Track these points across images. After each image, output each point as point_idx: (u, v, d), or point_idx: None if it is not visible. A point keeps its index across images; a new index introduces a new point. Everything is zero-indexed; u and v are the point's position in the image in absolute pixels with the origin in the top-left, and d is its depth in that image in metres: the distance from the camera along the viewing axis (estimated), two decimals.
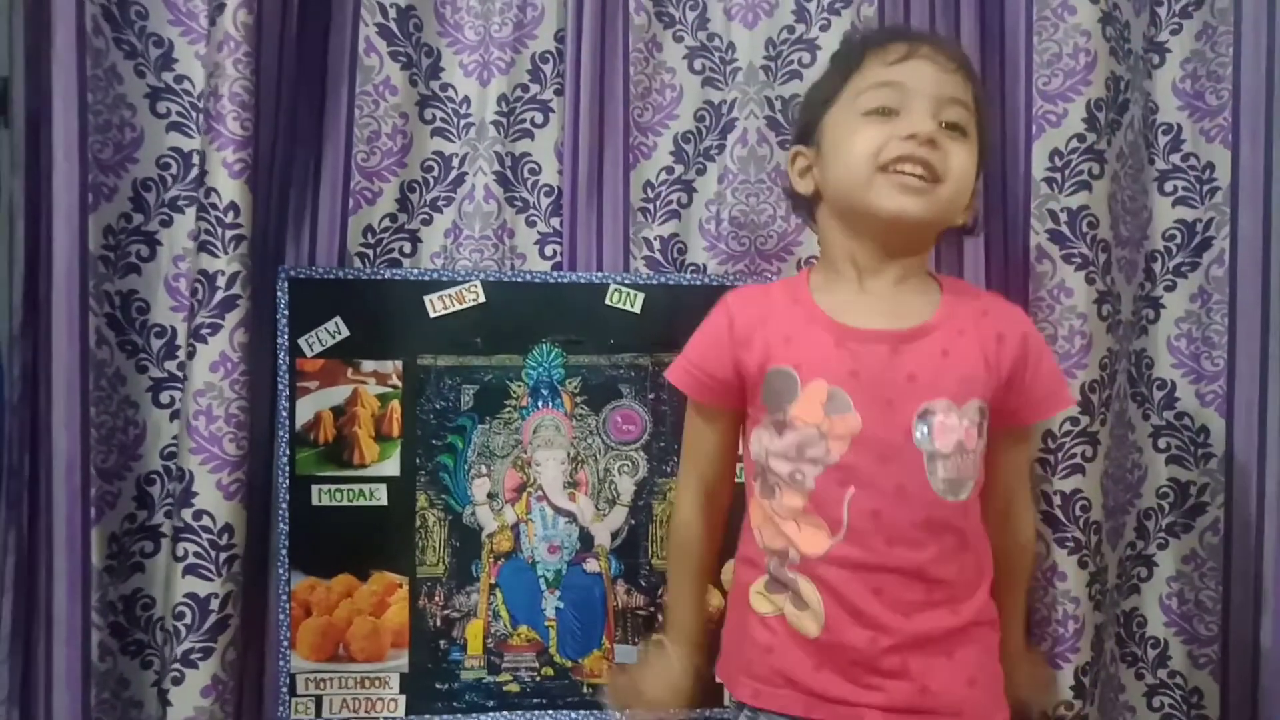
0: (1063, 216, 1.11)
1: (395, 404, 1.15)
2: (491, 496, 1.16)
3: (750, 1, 1.20)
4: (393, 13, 1.17)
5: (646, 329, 1.17)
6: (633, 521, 1.17)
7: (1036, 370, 0.93)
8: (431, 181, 1.20)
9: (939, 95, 0.89)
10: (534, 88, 1.20)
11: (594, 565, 1.17)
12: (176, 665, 1.04)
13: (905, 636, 0.86)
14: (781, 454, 0.90)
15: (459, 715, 1.15)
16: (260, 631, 1.16)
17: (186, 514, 1.04)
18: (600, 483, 1.17)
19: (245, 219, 1.05)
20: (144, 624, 1.15)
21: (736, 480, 1.03)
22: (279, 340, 1.14)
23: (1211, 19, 1.19)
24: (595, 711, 1.16)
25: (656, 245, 1.20)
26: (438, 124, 1.20)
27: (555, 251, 1.20)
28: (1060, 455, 1.11)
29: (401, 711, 1.15)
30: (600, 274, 1.19)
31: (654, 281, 1.18)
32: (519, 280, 1.17)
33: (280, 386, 1.14)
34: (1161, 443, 1.22)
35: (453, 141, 1.20)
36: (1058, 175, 1.11)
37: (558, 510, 1.17)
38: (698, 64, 1.21)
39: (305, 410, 1.14)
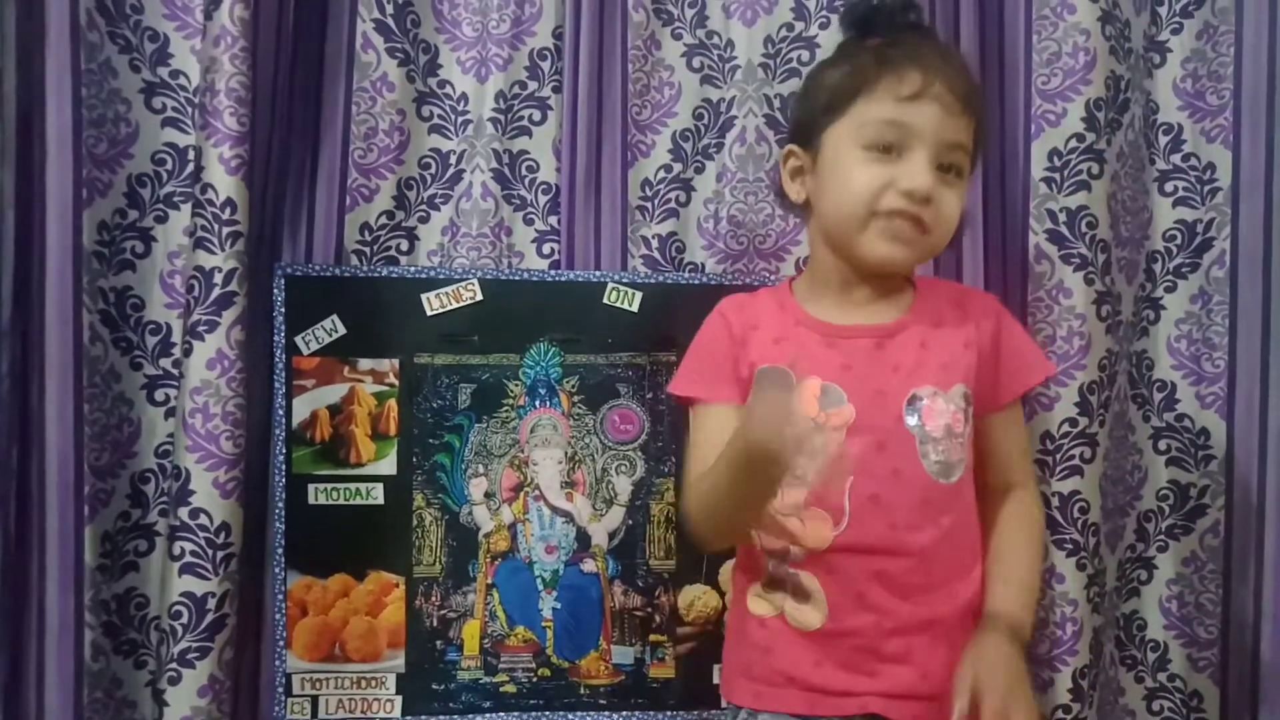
0: (1061, 216, 1.10)
1: (392, 402, 1.15)
2: (488, 496, 1.16)
3: None
4: (390, 8, 1.16)
5: (644, 328, 1.16)
6: (630, 521, 1.16)
7: (1010, 343, 0.97)
8: (429, 179, 1.19)
9: (943, 141, 0.90)
10: (532, 85, 1.19)
11: (591, 565, 1.16)
12: (173, 665, 1.03)
13: (906, 620, 0.89)
14: None
15: (455, 716, 1.14)
16: (256, 631, 1.15)
17: (183, 512, 1.04)
18: (598, 482, 1.17)
19: (242, 215, 1.05)
20: (138, 623, 1.14)
21: None
22: (275, 338, 1.13)
23: (1212, 18, 1.19)
24: (591, 712, 1.16)
25: (654, 244, 1.19)
26: (435, 121, 1.19)
27: (553, 250, 1.19)
28: (1058, 457, 1.10)
29: (398, 712, 1.14)
30: (598, 272, 1.18)
31: (652, 280, 1.17)
32: (516, 278, 1.17)
33: (277, 384, 1.13)
34: (1161, 444, 1.21)
35: (450, 138, 1.19)
36: (1056, 175, 1.11)
37: (555, 510, 1.16)
38: (696, 62, 1.21)
39: (302, 408, 1.14)
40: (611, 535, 1.17)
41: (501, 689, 1.15)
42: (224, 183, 1.04)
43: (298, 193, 1.16)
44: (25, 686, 1.08)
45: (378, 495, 1.15)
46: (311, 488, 1.14)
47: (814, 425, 0.90)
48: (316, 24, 1.16)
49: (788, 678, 0.91)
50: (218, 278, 1.04)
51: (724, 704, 0.97)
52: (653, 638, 1.16)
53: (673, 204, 1.20)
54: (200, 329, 1.04)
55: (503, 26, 1.18)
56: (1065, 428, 1.10)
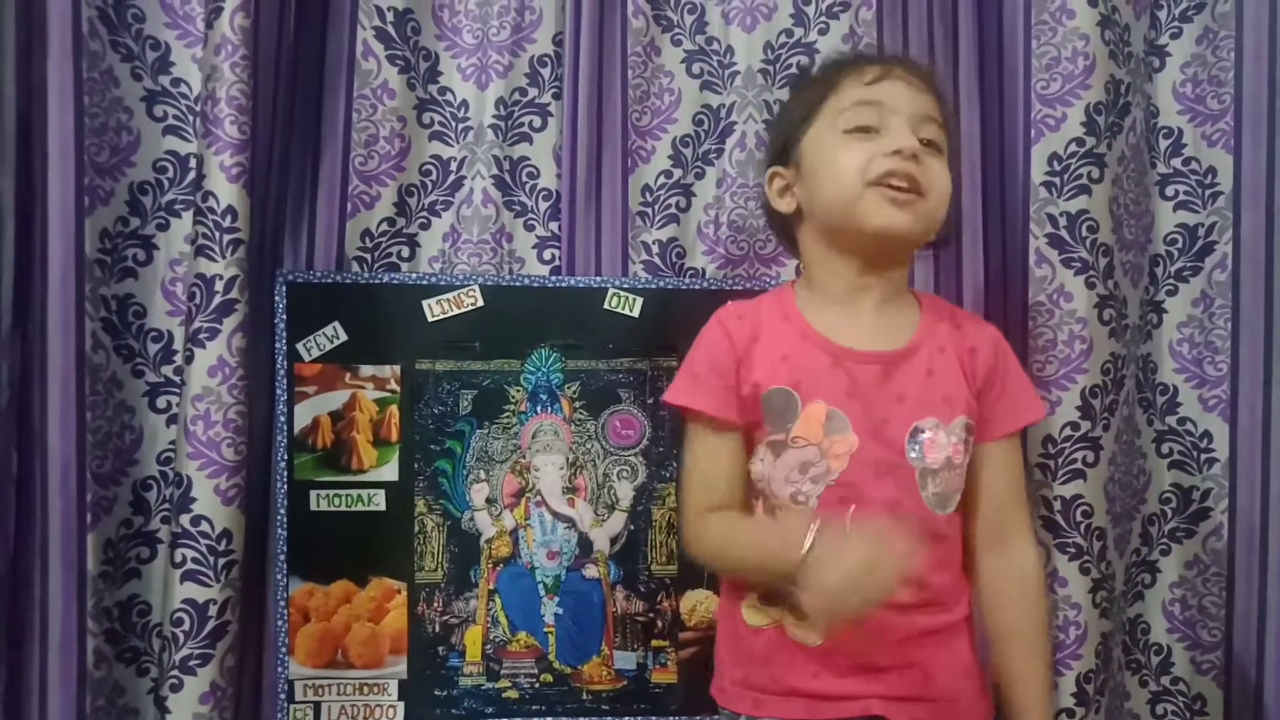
0: (1062, 221, 1.10)
1: (393, 409, 1.15)
2: (490, 502, 1.16)
3: (749, 5, 1.20)
4: (390, 16, 1.16)
5: (645, 333, 1.16)
6: (632, 527, 1.16)
7: (1006, 380, 0.95)
8: (429, 185, 1.19)
9: (915, 113, 0.92)
10: (532, 91, 1.19)
11: (593, 571, 1.16)
12: (175, 672, 1.03)
13: (904, 632, 0.89)
14: (784, 475, 0.91)
15: None
16: (258, 638, 1.15)
17: (185, 519, 1.04)
18: (599, 488, 1.17)
19: (243, 223, 1.05)
20: (140, 630, 1.14)
21: None
22: (277, 345, 1.13)
23: (1212, 23, 1.19)
24: (594, 718, 1.15)
25: (655, 249, 1.20)
26: (436, 128, 1.19)
27: (554, 255, 1.20)
28: (1060, 460, 1.10)
29: (400, 718, 1.14)
30: (599, 278, 1.18)
31: (653, 285, 1.18)
32: (517, 284, 1.17)
33: (278, 391, 1.13)
34: (1164, 448, 1.21)
35: (451, 145, 1.19)
36: (1057, 179, 1.11)
37: (556, 515, 1.16)
38: (696, 68, 1.21)
39: (303, 415, 1.14)
40: (613, 540, 1.16)
41: (504, 695, 1.15)
42: (225, 190, 1.04)
43: (299, 200, 1.17)
44: (28, 694, 1.08)
45: (379, 501, 1.15)
46: (313, 494, 1.14)
47: (817, 450, 0.90)
48: (317, 32, 1.16)
49: (789, 687, 0.91)
50: (219, 285, 1.04)
51: (720, 711, 0.96)
52: (655, 643, 1.16)
53: (673, 209, 1.20)
54: (202, 336, 1.04)
55: (503, 33, 1.19)
56: (1067, 431, 1.10)
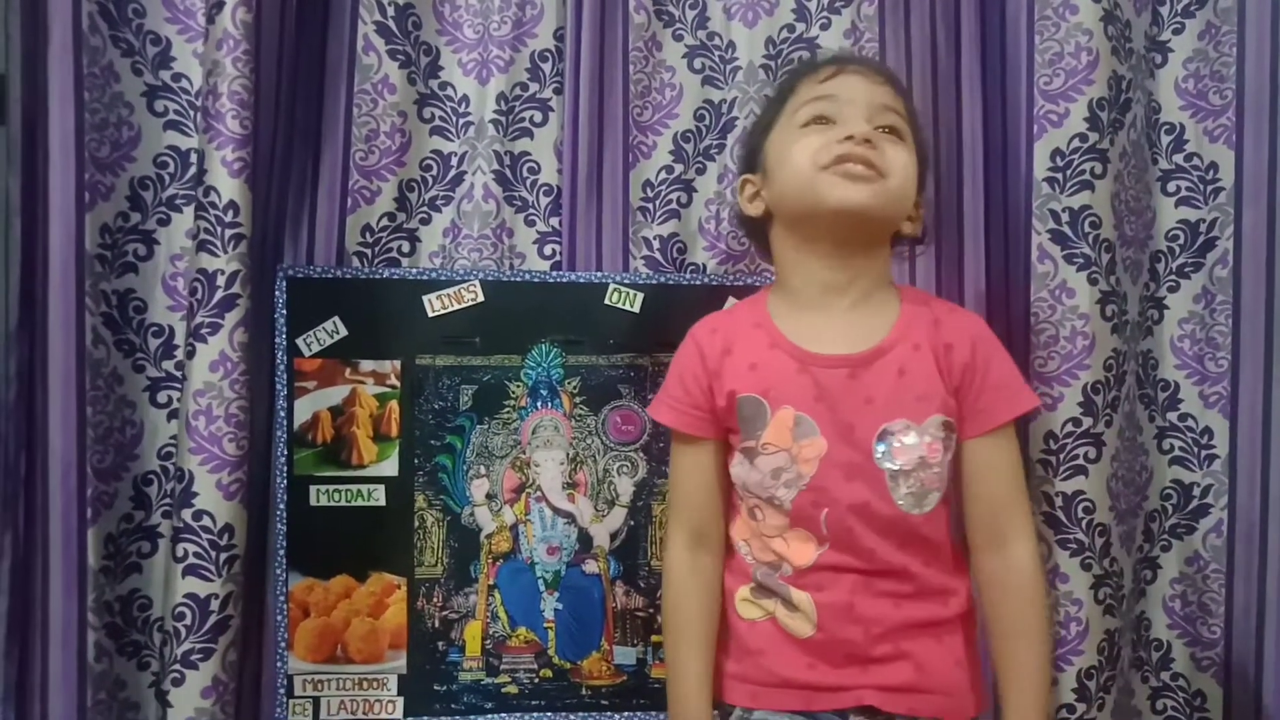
0: (1064, 217, 1.10)
1: (394, 404, 1.15)
2: (490, 497, 1.16)
3: (750, 0, 1.19)
4: (391, 11, 1.16)
5: (646, 329, 1.16)
6: (632, 522, 1.16)
7: (986, 375, 0.93)
8: (430, 180, 1.19)
9: (871, 102, 0.93)
10: (533, 86, 1.19)
11: (593, 566, 1.16)
12: (176, 666, 1.03)
13: (897, 623, 0.90)
14: (759, 481, 0.93)
15: (457, 717, 1.14)
16: (258, 632, 1.15)
17: (186, 514, 1.04)
18: (599, 483, 1.17)
19: (244, 218, 1.05)
20: (141, 625, 1.14)
21: None
22: (277, 340, 1.13)
23: (1214, 18, 1.19)
24: (593, 713, 1.15)
25: (656, 245, 1.19)
26: (436, 123, 1.19)
27: (554, 251, 1.20)
28: (1062, 457, 1.10)
29: (399, 713, 1.14)
30: (599, 274, 1.18)
31: (654, 281, 1.17)
32: (518, 280, 1.17)
33: (278, 386, 1.13)
34: (1165, 444, 1.21)
35: (451, 140, 1.19)
36: (1059, 175, 1.10)
37: (557, 511, 1.16)
38: (697, 63, 1.21)
39: (303, 410, 1.14)
40: (613, 536, 1.17)
41: (503, 690, 1.15)
42: (226, 185, 1.04)
43: (299, 195, 1.17)
44: (29, 688, 1.08)
45: (379, 497, 1.15)
46: (313, 489, 1.14)
47: (788, 456, 0.91)
48: (318, 27, 1.16)
49: (783, 679, 0.92)
50: (220, 280, 1.04)
51: (718, 704, 0.96)
52: (655, 638, 1.16)
53: (674, 205, 1.20)
54: (203, 331, 1.04)
55: (504, 28, 1.18)
56: (1069, 427, 1.09)
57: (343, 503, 1.14)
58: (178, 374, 1.13)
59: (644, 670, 1.16)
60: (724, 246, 1.19)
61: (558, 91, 1.19)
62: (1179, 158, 1.20)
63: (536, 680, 1.15)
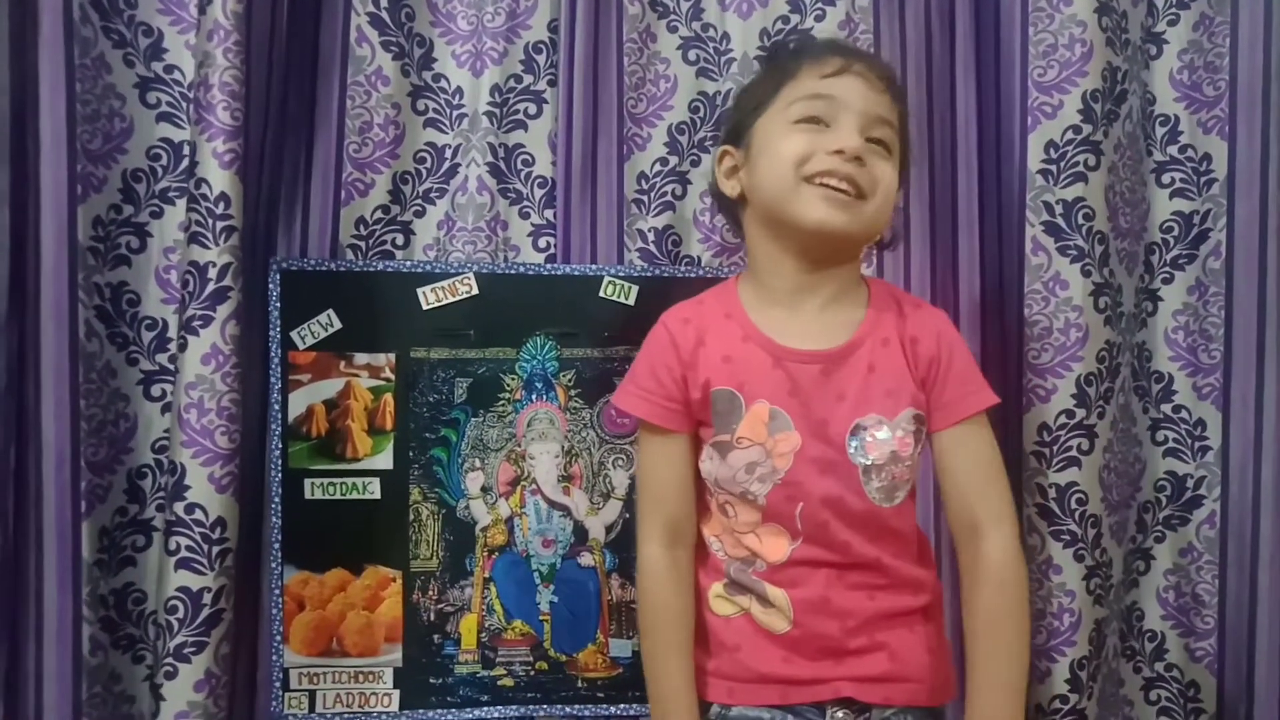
0: (1058, 208, 1.10)
1: (388, 397, 1.15)
2: (485, 490, 1.16)
3: None
4: (384, 2, 1.16)
5: (641, 321, 1.14)
6: (627, 515, 1.16)
7: (950, 368, 0.94)
8: (424, 173, 1.19)
9: (868, 112, 0.92)
10: (527, 78, 1.19)
11: (588, 559, 1.16)
12: (169, 660, 1.03)
13: (871, 615, 0.92)
14: (731, 476, 0.93)
15: (453, 710, 1.15)
16: (253, 626, 1.15)
17: (179, 507, 1.04)
18: (594, 476, 1.17)
19: (236, 210, 1.05)
20: (135, 618, 1.14)
21: None
22: (271, 332, 1.13)
23: (1209, 9, 1.19)
24: (589, 705, 1.16)
25: (651, 237, 1.19)
26: (430, 115, 1.19)
27: (549, 243, 1.19)
28: (1055, 448, 1.10)
29: (395, 706, 1.14)
30: (594, 266, 1.18)
31: (649, 274, 1.17)
32: (512, 272, 1.17)
33: (272, 379, 1.13)
34: (1159, 436, 1.22)
35: (445, 132, 1.19)
36: (1053, 167, 1.10)
37: (552, 504, 1.16)
38: (692, 55, 1.20)
39: (298, 403, 1.13)
40: (609, 529, 1.17)
41: (499, 682, 1.15)
42: (219, 177, 1.04)
43: (292, 187, 1.16)
44: (24, 681, 1.08)
45: (374, 490, 1.15)
46: (308, 482, 1.14)
47: (763, 450, 0.92)
48: (311, 18, 1.16)
49: (760, 674, 0.92)
50: (212, 272, 1.04)
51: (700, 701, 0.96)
52: None
53: (669, 197, 1.20)
54: (195, 324, 1.04)
55: (498, 20, 1.18)
56: (1062, 419, 1.10)
57: (337, 496, 1.14)
58: (171, 367, 1.13)
59: (639, 663, 1.15)
60: (719, 239, 1.19)
61: (552, 83, 1.19)
62: (1173, 149, 1.20)
63: (532, 673, 1.16)
